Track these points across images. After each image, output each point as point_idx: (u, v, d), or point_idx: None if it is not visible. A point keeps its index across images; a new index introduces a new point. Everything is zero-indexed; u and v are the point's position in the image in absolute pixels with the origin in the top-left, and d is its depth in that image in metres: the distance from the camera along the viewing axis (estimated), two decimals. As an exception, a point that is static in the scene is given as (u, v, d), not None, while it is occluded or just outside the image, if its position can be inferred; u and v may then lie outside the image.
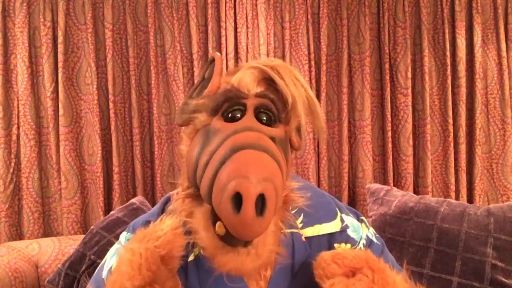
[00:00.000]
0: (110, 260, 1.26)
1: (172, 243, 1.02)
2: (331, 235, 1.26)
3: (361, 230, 1.32)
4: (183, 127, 1.20)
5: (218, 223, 0.96)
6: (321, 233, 1.25)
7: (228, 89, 1.07)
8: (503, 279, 2.00)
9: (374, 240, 1.34)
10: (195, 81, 1.20)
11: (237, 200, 0.85)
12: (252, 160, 0.90)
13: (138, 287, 0.94)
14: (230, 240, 0.94)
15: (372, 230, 1.38)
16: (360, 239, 1.30)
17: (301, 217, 1.24)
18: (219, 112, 1.06)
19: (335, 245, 1.25)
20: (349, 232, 1.29)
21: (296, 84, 1.07)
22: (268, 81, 1.09)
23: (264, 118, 1.06)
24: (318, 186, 3.43)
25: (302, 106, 1.06)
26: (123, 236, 1.31)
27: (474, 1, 3.48)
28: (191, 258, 1.17)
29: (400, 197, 2.48)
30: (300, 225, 1.23)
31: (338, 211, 1.32)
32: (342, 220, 1.30)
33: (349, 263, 1.05)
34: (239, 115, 1.04)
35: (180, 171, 1.19)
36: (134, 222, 1.34)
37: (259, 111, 1.06)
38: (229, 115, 1.05)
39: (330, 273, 1.06)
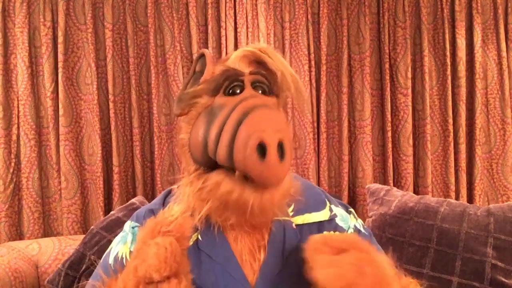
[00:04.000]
0: (116, 247, 1.34)
1: (183, 225, 1.11)
2: (320, 223, 1.32)
3: (350, 220, 1.39)
4: (181, 117, 1.29)
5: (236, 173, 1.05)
6: (311, 221, 1.31)
7: (226, 69, 1.20)
8: (503, 279, 2.00)
9: (362, 230, 1.40)
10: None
11: (260, 150, 0.97)
12: (266, 116, 1.03)
13: (165, 277, 1.00)
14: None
15: (360, 221, 1.45)
16: (348, 228, 1.36)
17: (292, 206, 1.30)
18: (220, 90, 1.18)
19: (324, 232, 1.29)
20: (338, 221, 1.35)
21: (282, 62, 1.21)
22: (257, 63, 1.22)
23: (260, 91, 1.20)
24: (318, 185, 3.42)
25: (290, 78, 1.19)
26: (128, 225, 1.39)
27: (474, 1, 3.49)
28: (189, 243, 1.22)
29: (400, 197, 2.48)
30: (291, 214, 1.30)
31: (327, 202, 1.39)
32: (330, 210, 1.37)
33: (338, 245, 1.09)
34: (238, 91, 1.17)
35: (182, 162, 1.26)
36: (138, 212, 1.42)
37: (255, 85, 1.20)
38: (230, 91, 1.18)
39: (319, 254, 1.10)
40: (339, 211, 1.39)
